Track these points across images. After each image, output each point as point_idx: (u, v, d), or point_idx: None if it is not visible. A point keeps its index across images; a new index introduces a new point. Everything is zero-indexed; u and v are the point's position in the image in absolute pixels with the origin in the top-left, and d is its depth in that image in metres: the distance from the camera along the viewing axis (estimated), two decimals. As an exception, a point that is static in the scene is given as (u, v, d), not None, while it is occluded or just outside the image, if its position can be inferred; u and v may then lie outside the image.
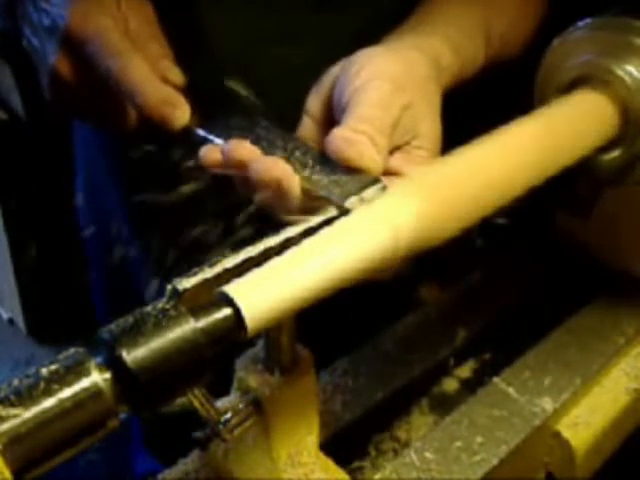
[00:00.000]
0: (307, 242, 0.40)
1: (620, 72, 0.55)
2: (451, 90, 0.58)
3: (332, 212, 0.43)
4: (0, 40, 0.76)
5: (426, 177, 0.46)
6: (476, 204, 0.46)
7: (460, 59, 0.58)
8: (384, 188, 0.45)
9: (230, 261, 0.39)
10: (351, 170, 0.46)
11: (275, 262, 0.38)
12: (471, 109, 0.66)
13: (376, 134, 0.47)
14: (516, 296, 0.72)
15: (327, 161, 0.47)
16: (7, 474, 0.30)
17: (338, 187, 0.45)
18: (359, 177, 0.46)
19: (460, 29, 0.59)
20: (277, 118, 0.53)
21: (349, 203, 0.43)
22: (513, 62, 0.67)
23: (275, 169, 0.45)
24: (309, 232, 0.41)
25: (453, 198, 0.45)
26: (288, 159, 0.47)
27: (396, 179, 0.48)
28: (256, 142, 0.49)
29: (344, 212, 0.43)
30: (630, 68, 0.56)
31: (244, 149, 0.48)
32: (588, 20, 0.59)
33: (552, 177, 0.51)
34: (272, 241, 0.41)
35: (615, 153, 0.58)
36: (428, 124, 0.52)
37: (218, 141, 0.51)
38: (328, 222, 0.42)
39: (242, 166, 0.47)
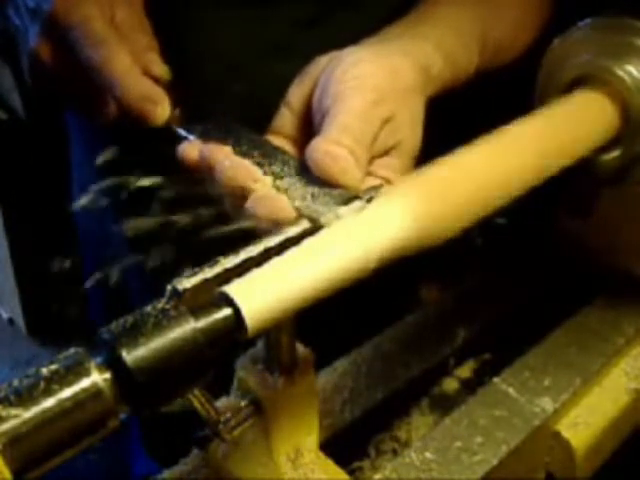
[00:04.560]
0: (308, 242, 0.40)
1: (620, 72, 0.55)
2: (448, 91, 0.57)
3: (304, 225, 0.42)
4: (0, 40, 0.76)
5: (424, 178, 0.46)
6: (475, 205, 0.46)
7: (452, 67, 0.57)
8: (362, 207, 0.43)
9: (230, 261, 0.39)
10: (330, 184, 0.45)
11: (275, 262, 0.38)
12: (469, 109, 0.66)
13: (358, 149, 0.46)
14: (516, 296, 0.72)
15: (305, 172, 0.47)
16: (7, 474, 0.30)
17: (315, 201, 0.44)
18: (337, 192, 0.45)
19: (455, 35, 0.58)
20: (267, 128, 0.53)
21: (324, 218, 0.42)
22: (513, 63, 0.66)
23: (239, 173, 0.45)
24: (312, 232, 0.41)
25: (452, 199, 0.45)
26: (265, 168, 0.47)
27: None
28: (235, 148, 0.49)
29: (318, 227, 0.42)
30: (630, 68, 0.56)
31: (219, 152, 0.47)
32: (588, 20, 0.59)
33: (552, 177, 0.51)
34: (272, 241, 0.41)
35: (615, 153, 0.58)
36: (408, 137, 0.51)
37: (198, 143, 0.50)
38: (302, 237, 0.41)
39: (211, 167, 0.47)
